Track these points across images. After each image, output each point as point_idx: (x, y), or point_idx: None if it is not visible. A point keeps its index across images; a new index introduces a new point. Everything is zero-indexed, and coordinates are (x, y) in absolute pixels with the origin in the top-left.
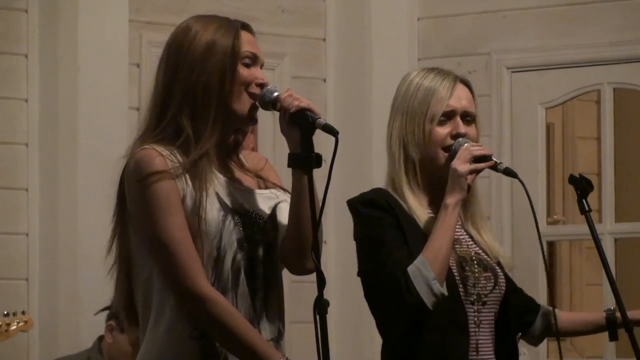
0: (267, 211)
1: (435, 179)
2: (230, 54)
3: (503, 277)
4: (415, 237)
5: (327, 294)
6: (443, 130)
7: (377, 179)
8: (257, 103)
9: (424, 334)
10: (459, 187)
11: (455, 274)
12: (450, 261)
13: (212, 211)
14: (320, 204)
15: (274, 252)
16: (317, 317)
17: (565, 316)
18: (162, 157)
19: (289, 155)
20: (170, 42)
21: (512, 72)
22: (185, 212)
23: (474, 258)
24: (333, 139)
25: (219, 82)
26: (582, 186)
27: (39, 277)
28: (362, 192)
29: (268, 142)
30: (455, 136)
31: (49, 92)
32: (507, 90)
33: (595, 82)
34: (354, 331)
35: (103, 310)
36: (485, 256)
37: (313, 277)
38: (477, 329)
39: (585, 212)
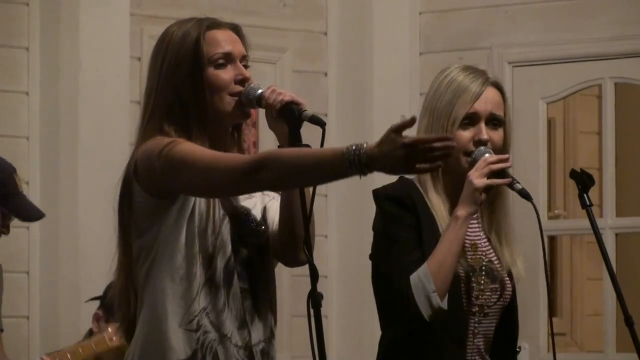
0: (260, 213)
1: (457, 183)
2: (194, 62)
3: (510, 288)
4: (432, 237)
5: (328, 288)
6: (466, 135)
7: (379, 173)
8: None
9: (421, 343)
10: (473, 200)
11: (462, 284)
12: (459, 270)
13: (210, 211)
14: (311, 198)
15: (266, 253)
16: (312, 310)
17: None
18: None
19: (278, 149)
20: (152, 52)
21: (514, 66)
22: (184, 212)
23: (483, 267)
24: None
25: (193, 92)
26: (583, 181)
27: (39, 270)
28: (389, 183)
29: (270, 137)
30: (477, 142)
31: (50, 86)
32: (509, 84)
33: (597, 76)
34: (354, 324)
35: (94, 299)
36: (497, 265)
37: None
38: (473, 339)
39: (586, 206)
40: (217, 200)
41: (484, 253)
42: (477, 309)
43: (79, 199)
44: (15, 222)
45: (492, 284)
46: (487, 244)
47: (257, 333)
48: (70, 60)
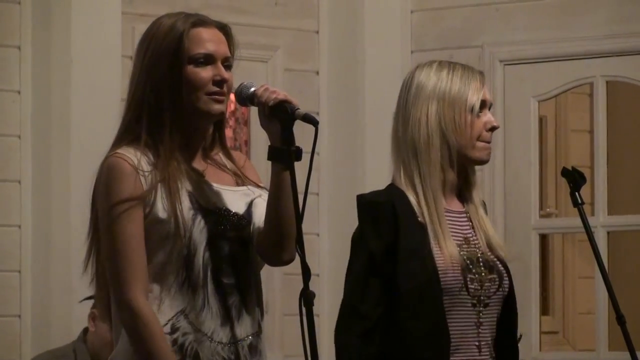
0: (243, 207)
1: (464, 174)
2: (174, 57)
3: (507, 278)
4: (412, 251)
5: (320, 287)
6: (480, 122)
7: (370, 172)
8: (217, 99)
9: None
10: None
11: (459, 277)
12: (456, 264)
13: (182, 210)
14: (303, 196)
15: (249, 247)
16: (304, 308)
17: None
18: (132, 167)
19: (269, 148)
20: (139, 42)
21: (505, 64)
22: (155, 212)
23: (480, 259)
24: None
25: (170, 88)
26: (574, 179)
27: (31, 269)
28: (376, 190)
29: (262, 136)
30: (491, 129)
31: (41, 84)
32: (500, 83)
33: (588, 75)
34: None
35: (88, 298)
36: (491, 255)
37: None
38: (477, 330)
39: (578, 204)
40: (184, 201)
41: (476, 246)
42: (476, 300)
43: (70, 198)
44: (6, 221)
45: (491, 275)
46: (476, 238)
47: (244, 328)
48: (62, 58)
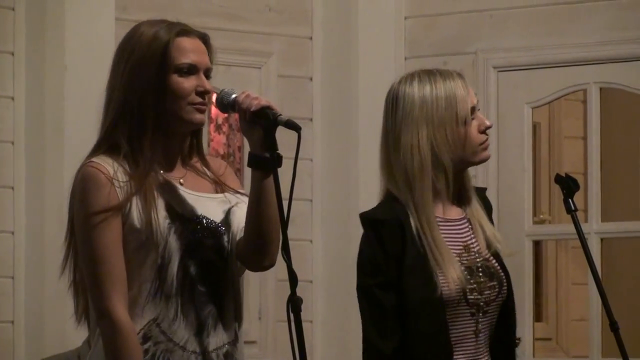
0: (221, 215)
1: (459, 180)
2: (159, 65)
3: (507, 284)
4: (416, 266)
5: (314, 293)
6: (474, 129)
7: (364, 178)
8: (199, 108)
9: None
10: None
11: (459, 289)
12: (455, 276)
13: (158, 219)
14: (288, 201)
15: (228, 255)
16: (292, 314)
17: None
18: (107, 178)
19: (250, 155)
20: (118, 47)
21: (499, 71)
22: (131, 221)
23: (480, 267)
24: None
25: (153, 95)
26: (568, 186)
27: (24, 276)
28: (377, 204)
29: None
30: (484, 130)
31: (35, 90)
32: (494, 89)
33: (582, 81)
34: (339, 329)
35: None
36: (493, 262)
37: (298, 276)
38: (475, 338)
39: (571, 211)
40: (160, 210)
41: (476, 252)
42: (475, 309)
43: (64, 204)
44: (1, 227)
45: (490, 282)
46: (475, 243)
47: (219, 337)
48: (55, 64)
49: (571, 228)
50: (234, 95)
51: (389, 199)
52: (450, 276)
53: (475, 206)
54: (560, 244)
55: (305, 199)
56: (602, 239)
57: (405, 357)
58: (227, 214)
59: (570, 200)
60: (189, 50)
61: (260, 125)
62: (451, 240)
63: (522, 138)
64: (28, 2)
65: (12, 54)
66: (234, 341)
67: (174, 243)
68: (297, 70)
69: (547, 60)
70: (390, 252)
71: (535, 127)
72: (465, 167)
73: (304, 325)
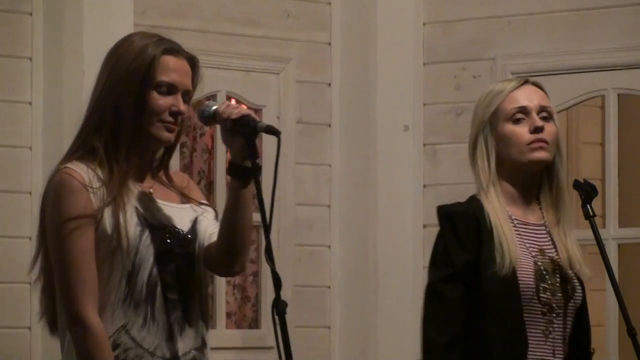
0: (188, 224)
1: (517, 179)
2: (142, 80)
3: (580, 291)
4: (489, 249)
5: (332, 299)
6: (521, 128)
7: (383, 184)
8: (169, 127)
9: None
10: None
11: (532, 285)
12: (530, 271)
13: (130, 227)
14: (270, 206)
15: (195, 263)
16: (277, 317)
17: None
18: (81, 185)
19: (230, 163)
20: (106, 55)
21: (517, 77)
22: (103, 228)
23: (557, 270)
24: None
25: (132, 109)
26: (586, 191)
27: None
28: (458, 201)
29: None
30: (535, 130)
31: (53, 96)
32: None
33: (600, 87)
34: (357, 335)
35: None
36: (567, 267)
37: (316, 281)
38: (545, 339)
39: (589, 217)
40: (131, 217)
41: (552, 258)
42: (546, 309)
43: None
44: (17, 233)
45: (563, 285)
46: (552, 248)
47: (186, 343)
48: (73, 70)
49: (589, 234)
50: (214, 107)
51: (471, 198)
52: (524, 271)
53: (558, 224)
54: None
55: (324, 204)
56: (619, 245)
57: (474, 345)
58: (194, 222)
59: (588, 205)
60: (171, 70)
61: (242, 133)
62: (528, 241)
63: None
64: (46, 7)
65: (30, 60)
66: (201, 347)
67: (144, 250)
68: (315, 76)
69: (565, 66)
70: (464, 243)
71: None
72: (524, 169)
73: (322, 331)
